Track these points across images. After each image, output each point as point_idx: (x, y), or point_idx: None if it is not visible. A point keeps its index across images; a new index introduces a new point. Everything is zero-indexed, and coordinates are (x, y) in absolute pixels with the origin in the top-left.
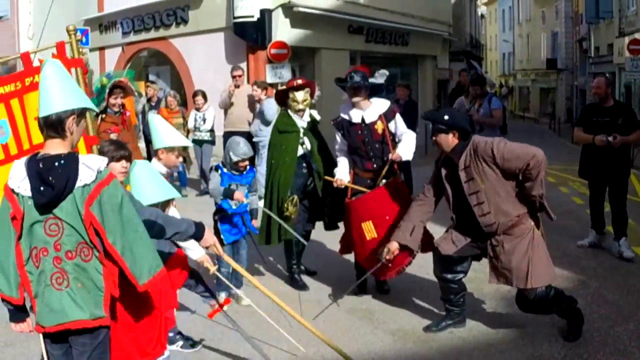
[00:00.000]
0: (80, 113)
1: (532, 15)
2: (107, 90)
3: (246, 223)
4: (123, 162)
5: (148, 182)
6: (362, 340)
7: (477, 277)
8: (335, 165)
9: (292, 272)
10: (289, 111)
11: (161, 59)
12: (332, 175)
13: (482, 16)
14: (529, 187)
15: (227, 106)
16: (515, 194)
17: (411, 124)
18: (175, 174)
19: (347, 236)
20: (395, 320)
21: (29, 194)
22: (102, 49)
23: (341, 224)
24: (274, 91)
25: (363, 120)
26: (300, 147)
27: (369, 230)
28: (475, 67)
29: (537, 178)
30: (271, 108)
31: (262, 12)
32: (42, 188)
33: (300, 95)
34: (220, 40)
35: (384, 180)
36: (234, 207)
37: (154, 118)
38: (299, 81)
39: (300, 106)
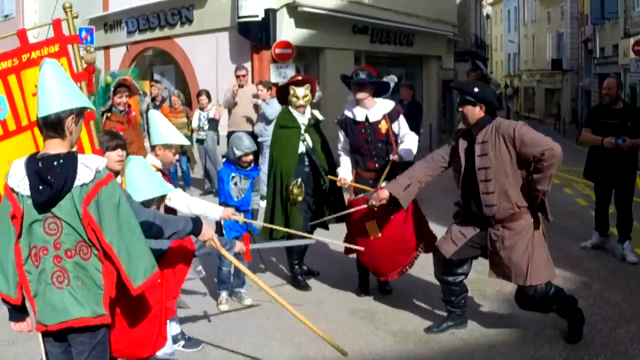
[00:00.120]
0: (79, 113)
1: (537, 15)
2: (112, 89)
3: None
4: (118, 151)
5: (143, 178)
6: (364, 340)
7: (480, 278)
8: (336, 164)
9: (294, 272)
10: (290, 108)
11: (166, 58)
12: (335, 175)
13: (488, 16)
14: (536, 180)
15: (230, 106)
16: (521, 184)
17: (415, 125)
18: (180, 174)
19: (351, 236)
20: (397, 321)
21: (28, 193)
22: (107, 48)
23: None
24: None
25: (367, 119)
26: (301, 144)
27: (373, 229)
28: (480, 68)
29: (547, 171)
30: (272, 107)
31: (267, 11)
32: (40, 187)
33: (300, 91)
34: (225, 40)
35: (385, 181)
36: (235, 199)
37: (153, 114)
38: (299, 77)
39: (301, 102)
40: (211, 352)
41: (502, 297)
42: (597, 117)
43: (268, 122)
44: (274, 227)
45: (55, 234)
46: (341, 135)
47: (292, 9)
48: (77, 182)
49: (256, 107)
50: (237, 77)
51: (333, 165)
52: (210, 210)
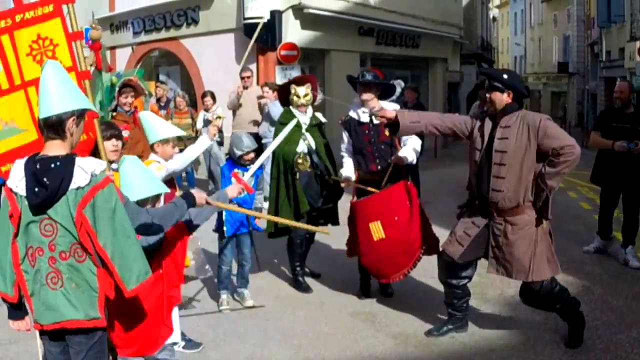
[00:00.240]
0: (80, 114)
1: (544, 18)
2: (117, 89)
3: (250, 220)
4: (113, 141)
5: (137, 177)
6: (364, 343)
7: (481, 281)
8: (338, 166)
9: (296, 274)
10: (291, 107)
11: (171, 59)
12: (337, 176)
13: (494, 19)
14: (548, 174)
15: (235, 107)
16: (532, 178)
17: None
18: (184, 174)
19: (353, 237)
20: (398, 324)
21: (26, 193)
22: (113, 48)
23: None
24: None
25: (371, 120)
26: (302, 142)
27: (377, 230)
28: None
29: (561, 167)
30: (278, 108)
31: (272, 13)
32: (36, 189)
33: (301, 90)
34: (231, 41)
35: (389, 183)
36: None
37: (144, 115)
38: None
39: (302, 101)
40: (211, 353)
41: (503, 301)
42: (608, 121)
43: (273, 123)
44: (278, 219)
45: (51, 236)
46: (345, 136)
47: (298, 11)
48: (73, 185)
49: (261, 109)
50: (242, 78)
51: (335, 167)
52: (197, 147)
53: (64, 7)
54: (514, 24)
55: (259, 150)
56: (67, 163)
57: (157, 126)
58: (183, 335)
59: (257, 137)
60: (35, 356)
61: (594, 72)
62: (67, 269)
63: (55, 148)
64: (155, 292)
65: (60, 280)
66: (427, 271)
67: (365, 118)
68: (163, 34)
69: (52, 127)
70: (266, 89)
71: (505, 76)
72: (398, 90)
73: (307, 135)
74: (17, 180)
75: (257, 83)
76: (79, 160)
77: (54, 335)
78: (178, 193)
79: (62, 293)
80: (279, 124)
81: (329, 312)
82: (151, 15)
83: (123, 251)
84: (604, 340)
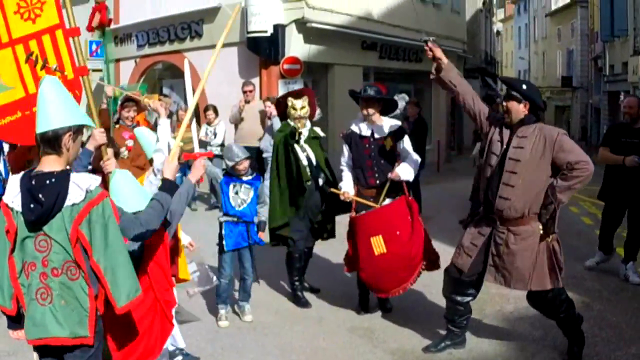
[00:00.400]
0: (77, 130)
1: (548, 32)
2: (120, 103)
3: (250, 233)
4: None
5: (128, 191)
6: (361, 358)
7: (480, 297)
8: (337, 179)
9: (295, 288)
10: (289, 120)
11: (175, 72)
12: (337, 189)
13: (498, 33)
14: (559, 188)
15: (237, 121)
16: (541, 190)
17: (421, 142)
18: None
19: (353, 252)
20: (396, 340)
21: (21, 209)
22: (117, 61)
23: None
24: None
25: (372, 134)
26: (302, 154)
27: (379, 245)
28: (489, 85)
29: (572, 181)
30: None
31: (276, 27)
32: (32, 205)
33: (298, 103)
34: (234, 55)
35: (387, 200)
36: (237, 208)
37: (140, 130)
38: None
39: (299, 113)
40: None
41: (501, 316)
42: (617, 136)
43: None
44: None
45: (45, 252)
46: (345, 150)
47: (301, 25)
48: (68, 202)
49: (263, 123)
50: (244, 92)
51: (334, 180)
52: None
53: None
54: (518, 38)
55: (260, 162)
56: (62, 179)
57: (153, 140)
58: (181, 350)
59: (258, 151)
60: None
61: (597, 86)
62: (58, 286)
63: (50, 163)
64: (146, 303)
65: (50, 296)
66: (427, 287)
67: (366, 132)
68: (167, 47)
69: (49, 142)
70: (268, 103)
71: (524, 87)
72: (402, 104)
73: (306, 146)
74: (12, 195)
75: (260, 97)
76: (73, 177)
77: (43, 351)
78: None
79: (49, 309)
80: (278, 132)
81: (328, 327)
82: (155, 29)
83: (114, 268)
84: (602, 357)
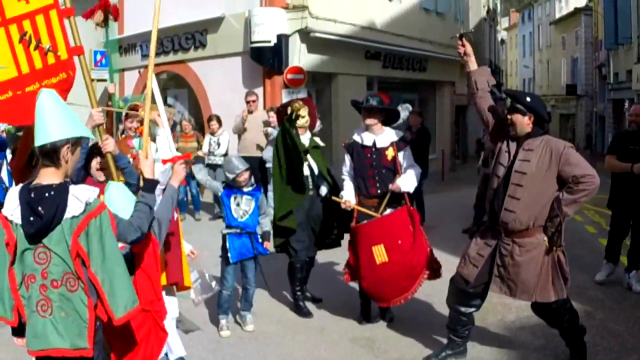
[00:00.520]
0: (76, 142)
1: (552, 40)
2: (123, 115)
3: (255, 244)
4: (98, 159)
5: (122, 203)
6: None
7: (482, 306)
8: (337, 187)
9: (297, 298)
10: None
11: (179, 82)
12: (339, 197)
13: (503, 41)
14: (565, 201)
15: (240, 131)
16: (547, 202)
17: (424, 151)
18: (189, 198)
19: (354, 261)
20: (397, 349)
21: (21, 222)
22: (122, 71)
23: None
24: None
25: (374, 144)
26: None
27: (380, 254)
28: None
29: (578, 195)
30: None
31: (279, 37)
32: (31, 218)
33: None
34: (238, 65)
35: (388, 209)
36: (239, 220)
37: (137, 142)
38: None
39: (299, 122)
40: None
41: (503, 326)
42: (624, 144)
43: None
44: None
45: (44, 264)
46: (347, 159)
47: (305, 35)
48: (67, 214)
49: (266, 133)
50: (247, 102)
51: (336, 189)
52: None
53: None
54: (523, 47)
55: (263, 172)
56: (61, 192)
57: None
58: (182, 359)
59: (261, 161)
60: None
61: (602, 94)
62: (58, 298)
63: (49, 176)
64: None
65: (50, 308)
66: (429, 296)
67: (368, 142)
68: (171, 57)
69: (47, 154)
70: (271, 113)
71: (528, 99)
72: (405, 114)
73: (308, 156)
74: (11, 208)
75: (264, 107)
76: (72, 189)
77: None
78: (176, 215)
79: (50, 321)
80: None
81: (329, 337)
82: (159, 39)
83: (112, 279)
84: None
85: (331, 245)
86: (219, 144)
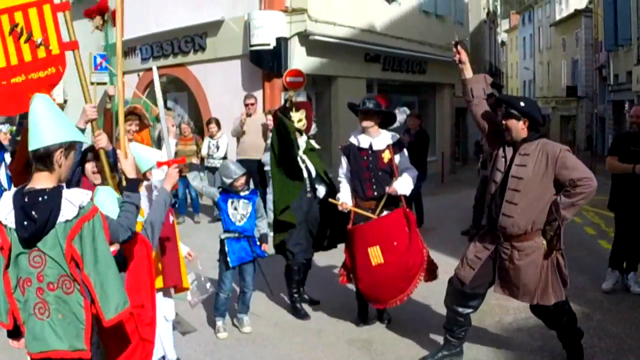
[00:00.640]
0: (69, 146)
1: (552, 42)
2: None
3: (253, 247)
4: (94, 162)
5: (111, 207)
6: None
7: (480, 308)
8: (334, 189)
9: (294, 300)
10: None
11: (179, 85)
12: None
13: (503, 43)
14: (563, 204)
15: (238, 134)
16: (544, 206)
17: (422, 154)
18: (189, 200)
19: (350, 263)
20: (394, 351)
21: (15, 226)
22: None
23: (338, 248)
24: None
25: (371, 146)
26: (300, 165)
27: (376, 255)
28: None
29: (576, 198)
30: None
31: (279, 40)
32: (25, 222)
33: (295, 115)
34: (237, 68)
35: (385, 212)
36: (237, 224)
37: (131, 146)
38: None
39: (296, 125)
40: None
41: (500, 327)
42: (625, 145)
43: None
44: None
45: (39, 267)
46: (343, 162)
47: (304, 38)
48: (61, 218)
49: (265, 136)
50: (246, 105)
51: (333, 191)
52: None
53: None
54: (523, 49)
55: (262, 175)
56: (54, 196)
57: (145, 155)
58: None
59: (259, 165)
60: None
61: (602, 95)
62: (54, 300)
63: (42, 180)
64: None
65: (47, 310)
66: (426, 298)
67: (364, 144)
68: (171, 60)
69: (40, 159)
70: (269, 116)
71: (522, 104)
72: (402, 117)
73: (305, 157)
74: (5, 213)
75: (264, 109)
76: (66, 193)
77: None
78: (172, 217)
79: (48, 323)
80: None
81: (326, 339)
82: (159, 42)
83: (103, 281)
84: None
85: (328, 247)
86: (217, 147)
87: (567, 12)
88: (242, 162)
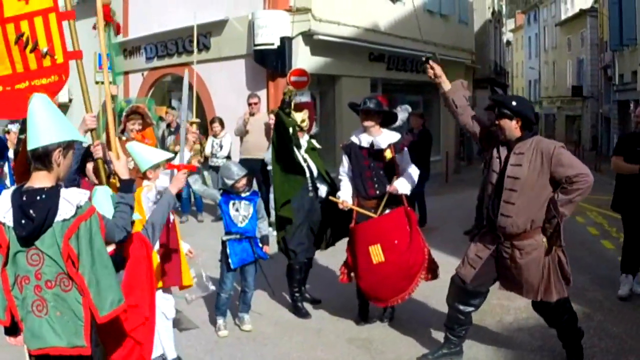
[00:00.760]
0: (67, 146)
1: (558, 42)
2: (125, 115)
3: (255, 248)
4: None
5: (109, 207)
6: None
7: (480, 308)
8: (336, 188)
9: (295, 299)
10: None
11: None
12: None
13: (509, 43)
14: (560, 202)
15: (242, 134)
16: (542, 204)
17: (425, 153)
18: (193, 200)
19: (351, 261)
20: (394, 350)
21: (13, 225)
22: (126, 73)
23: (340, 247)
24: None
25: (372, 145)
26: (302, 164)
27: (377, 254)
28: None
29: (573, 195)
30: None
31: (283, 39)
32: (23, 221)
33: (298, 116)
34: (241, 67)
35: (387, 210)
36: (239, 225)
37: (131, 146)
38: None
39: (299, 124)
40: None
41: (501, 327)
42: (630, 146)
43: None
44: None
45: (37, 265)
46: (345, 160)
47: (308, 37)
48: (59, 217)
49: (268, 135)
50: (249, 104)
51: (335, 190)
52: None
53: None
54: (528, 48)
55: (265, 174)
56: (52, 195)
57: (145, 154)
58: (180, 359)
59: (263, 164)
60: None
61: (607, 95)
62: (52, 298)
63: (41, 179)
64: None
65: (45, 308)
66: (426, 297)
67: (366, 143)
68: (175, 60)
69: (39, 158)
70: (272, 116)
71: (514, 103)
72: (405, 115)
73: (307, 156)
74: (4, 211)
75: (268, 109)
76: (63, 192)
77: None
78: (173, 217)
79: (46, 321)
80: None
81: (326, 338)
82: (163, 41)
83: (99, 280)
84: None
85: (328, 244)
86: (221, 146)
87: (573, 12)
88: (245, 161)
